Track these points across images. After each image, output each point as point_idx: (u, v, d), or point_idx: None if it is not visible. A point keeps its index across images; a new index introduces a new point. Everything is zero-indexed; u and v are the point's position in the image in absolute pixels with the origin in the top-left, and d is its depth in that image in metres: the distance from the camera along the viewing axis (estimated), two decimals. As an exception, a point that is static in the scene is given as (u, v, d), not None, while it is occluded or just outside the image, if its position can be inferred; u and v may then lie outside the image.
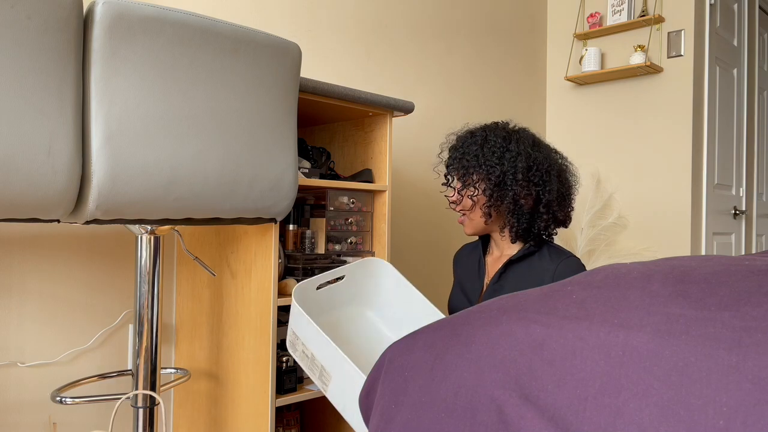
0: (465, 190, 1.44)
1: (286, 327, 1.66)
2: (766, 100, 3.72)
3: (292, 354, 1.22)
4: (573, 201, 1.50)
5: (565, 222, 1.49)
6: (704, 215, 2.86)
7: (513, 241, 1.46)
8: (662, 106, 2.86)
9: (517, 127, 1.48)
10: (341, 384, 1.04)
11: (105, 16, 1.02)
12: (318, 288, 1.29)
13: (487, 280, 1.51)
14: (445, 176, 1.51)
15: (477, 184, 1.42)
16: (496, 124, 1.48)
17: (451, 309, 1.57)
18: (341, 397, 1.05)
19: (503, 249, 1.50)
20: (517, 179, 1.38)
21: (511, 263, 1.44)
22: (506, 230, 1.46)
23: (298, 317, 1.13)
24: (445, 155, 1.54)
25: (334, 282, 1.34)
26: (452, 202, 1.50)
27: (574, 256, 1.42)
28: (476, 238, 1.63)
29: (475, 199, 1.44)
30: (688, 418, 0.48)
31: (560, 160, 1.48)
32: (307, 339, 1.11)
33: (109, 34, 1.02)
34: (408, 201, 2.45)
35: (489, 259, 1.54)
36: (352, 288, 1.37)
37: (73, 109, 1.00)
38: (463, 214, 1.48)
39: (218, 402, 1.60)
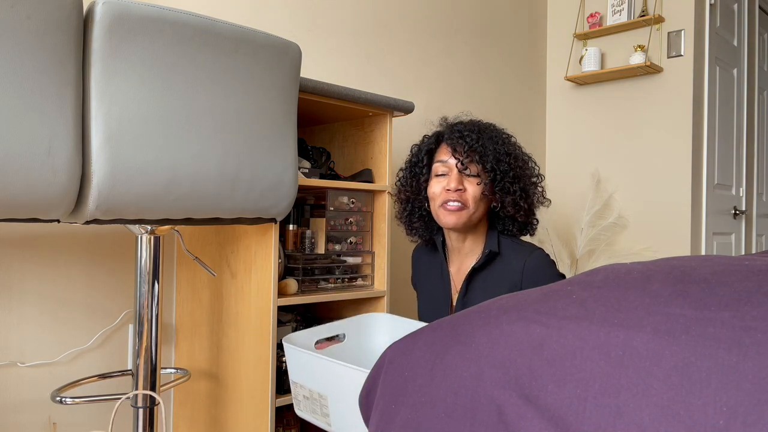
0: (480, 176, 1.37)
1: (285, 327, 1.66)
2: (766, 100, 3.72)
3: (302, 414, 1.08)
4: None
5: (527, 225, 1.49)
6: (704, 215, 2.86)
7: (520, 234, 1.45)
8: (662, 106, 2.86)
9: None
10: (339, 397, 0.94)
11: (105, 16, 1.02)
12: (317, 344, 1.17)
13: (454, 293, 1.46)
14: (462, 161, 1.37)
15: (489, 174, 1.36)
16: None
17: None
18: (343, 416, 0.94)
19: (464, 257, 1.45)
20: (523, 178, 1.41)
21: (475, 272, 1.40)
22: (480, 226, 1.43)
23: (290, 359, 1.04)
24: (453, 136, 1.42)
25: (333, 342, 1.21)
26: (458, 189, 1.36)
27: (538, 248, 1.38)
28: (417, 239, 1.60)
29: (488, 190, 1.37)
30: (688, 418, 0.48)
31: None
32: (303, 375, 1.01)
33: (109, 34, 1.02)
34: (408, 201, 2.45)
35: (452, 269, 1.48)
36: (353, 347, 1.21)
37: (73, 109, 1.00)
38: (463, 204, 1.36)
39: (218, 402, 1.60)
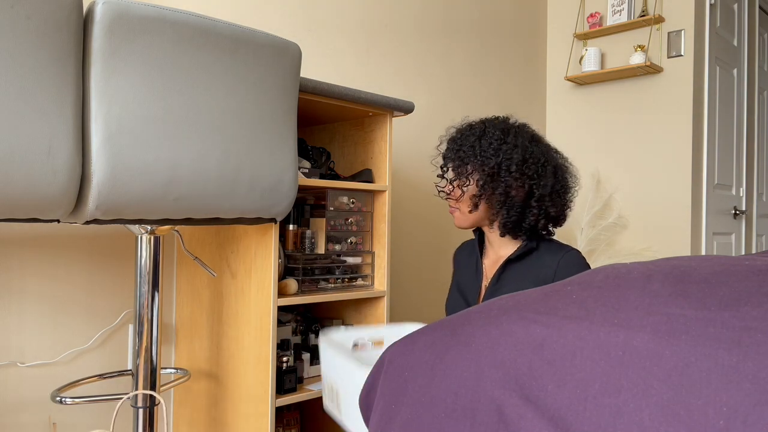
0: (457, 180, 1.45)
1: (285, 327, 1.66)
2: (766, 100, 3.72)
3: (327, 408, 1.13)
4: (570, 200, 1.48)
5: (558, 219, 1.46)
6: (704, 215, 2.86)
7: (502, 235, 1.44)
8: (662, 106, 2.86)
9: (517, 122, 1.48)
10: (347, 394, 0.97)
11: (105, 16, 1.02)
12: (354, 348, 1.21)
13: (485, 282, 1.49)
14: (441, 167, 1.51)
15: (471, 175, 1.42)
16: (497, 117, 1.49)
17: (449, 311, 1.57)
18: (350, 413, 0.97)
19: (498, 249, 1.49)
20: (511, 171, 1.38)
21: (509, 262, 1.43)
22: (495, 223, 1.45)
23: (320, 351, 1.10)
24: (444, 147, 1.54)
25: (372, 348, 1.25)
26: (441, 191, 1.51)
27: (575, 249, 1.42)
28: (471, 234, 1.65)
29: (465, 189, 1.44)
30: (688, 418, 0.48)
31: (559, 159, 1.48)
32: (324, 368, 1.08)
33: (109, 34, 1.02)
34: (408, 201, 2.45)
35: (486, 261, 1.53)
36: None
37: (73, 108, 1.00)
38: (454, 207, 1.50)
39: (218, 402, 1.60)
